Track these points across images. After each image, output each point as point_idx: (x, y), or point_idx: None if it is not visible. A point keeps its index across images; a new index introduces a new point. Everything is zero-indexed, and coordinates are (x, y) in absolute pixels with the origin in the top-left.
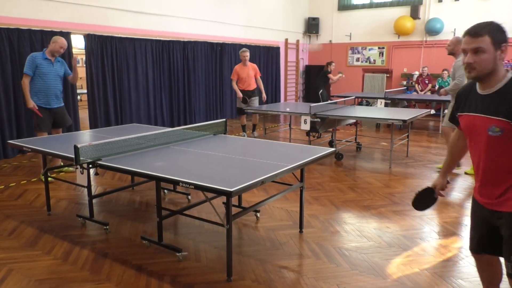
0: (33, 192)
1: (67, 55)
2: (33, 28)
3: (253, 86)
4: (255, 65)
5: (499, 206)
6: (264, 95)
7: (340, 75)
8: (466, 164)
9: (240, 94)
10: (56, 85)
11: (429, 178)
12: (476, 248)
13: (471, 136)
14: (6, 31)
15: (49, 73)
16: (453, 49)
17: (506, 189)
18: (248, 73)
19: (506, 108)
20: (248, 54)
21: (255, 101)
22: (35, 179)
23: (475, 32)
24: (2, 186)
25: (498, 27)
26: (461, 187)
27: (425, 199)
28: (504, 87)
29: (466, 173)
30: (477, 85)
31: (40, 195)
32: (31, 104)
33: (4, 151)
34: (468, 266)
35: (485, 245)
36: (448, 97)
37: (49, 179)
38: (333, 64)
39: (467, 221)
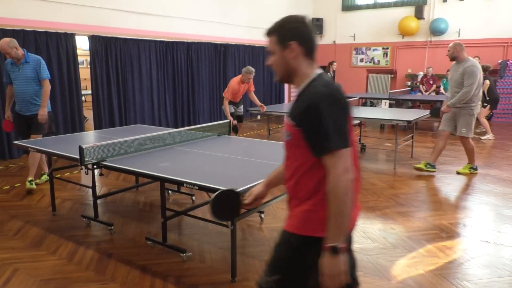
0: (38, 193)
1: (72, 55)
2: (38, 30)
3: (240, 98)
4: (251, 80)
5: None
6: (261, 105)
7: None
8: (459, 164)
9: (233, 121)
10: (25, 90)
11: (434, 179)
12: None
13: None
14: (11, 32)
15: (16, 78)
16: (453, 53)
17: (294, 205)
18: (244, 89)
19: (293, 110)
20: (252, 76)
21: (241, 107)
22: (37, 180)
23: (266, 31)
24: (8, 186)
25: (289, 21)
26: (464, 188)
27: (228, 205)
28: (303, 90)
29: (458, 173)
30: None
31: (45, 195)
32: (6, 114)
33: (9, 151)
34: (473, 267)
35: None
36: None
37: (31, 183)
38: (335, 64)
39: (471, 222)
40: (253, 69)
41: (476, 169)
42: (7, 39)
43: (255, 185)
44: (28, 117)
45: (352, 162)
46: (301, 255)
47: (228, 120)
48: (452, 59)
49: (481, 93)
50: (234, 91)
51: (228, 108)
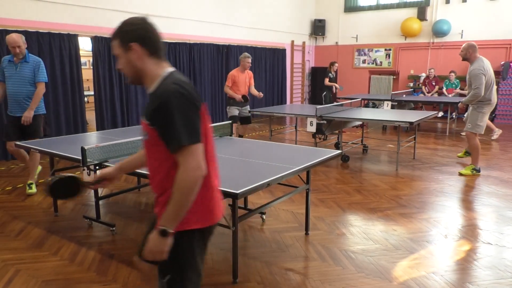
0: (40, 193)
1: (74, 56)
2: (41, 30)
3: (246, 93)
4: (251, 73)
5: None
6: (259, 93)
7: (337, 86)
8: (460, 165)
9: (238, 96)
10: (19, 90)
11: (436, 180)
12: None
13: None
14: None
15: (11, 77)
16: (465, 54)
17: (162, 203)
18: (245, 80)
19: (146, 109)
20: (251, 60)
21: (247, 108)
22: (42, 180)
23: (111, 35)
24: (10, 187)
25: (128, 24)
26: (466, 189)
27: (66, 187)
28: (155, 89)
29: (460, 174)
30: None
31: (47, 196)
32: None
33: None
34: (475, 269)
35: None
36: (454, 99)
37: (30, 187)
38: (336, 64)
39: (473, 224)
40: (248, 54)
41: (478, 170)
42: (18, 34)
43: (257, 186)
44: (20, 118)
45: (205, 157)
46: (178, 250)
47: (230, 122)
48: (464, 59)
49: (492, 93)
50: (234, 79)
51: (230, 91)
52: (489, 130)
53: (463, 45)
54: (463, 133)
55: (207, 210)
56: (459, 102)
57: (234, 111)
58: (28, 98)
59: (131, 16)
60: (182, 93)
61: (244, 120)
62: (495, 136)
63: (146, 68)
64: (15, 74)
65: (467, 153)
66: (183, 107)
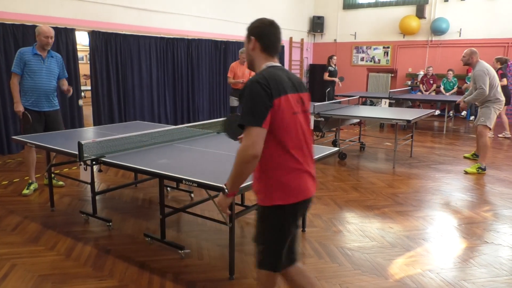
0: (36, 188)
1: (72, 51)
2: (38, 24)
3: None
4: None
5: None
6: None
7: (337, 80)
8: (458, 164)
9: (240, 83)
10: (49, 84)
11: (432, 179)
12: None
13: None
14: (11, 27)
15: (39, 71)
16: (468, 60)
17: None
18: (244, 72)
19: None
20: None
21: None
22: (38, 175)
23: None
24: (6, 182)
25: (257, 21)
26: (463, 188)
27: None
28: None
29: (466, 172)
30: None
31: (43, 191)
32: (19, 107)
33: (8, 146)
34: (471, 267)
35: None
36: (451, 97)
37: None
38: (335, 57)
39: (469, 222)
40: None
41: (484, 169)
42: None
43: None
44: (45, 113)
45: (277, 143)
46: (266, 223)
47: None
48: (466, 64)
49: (498, 92)
50: (234, 70)
51: (232, 80)
52: (502, 128)
53: (466, 51)
54: (500, 135)
55: (287, 190)
56: (458, 100)
57: (234, 101)
58: (55, 92)
59: (127, 10)
60: (258, 81)
61: None
62: (502, 134)
63: (256, 59)
64: (44, 68)
65: (474, 155)
66: (253, 92)
